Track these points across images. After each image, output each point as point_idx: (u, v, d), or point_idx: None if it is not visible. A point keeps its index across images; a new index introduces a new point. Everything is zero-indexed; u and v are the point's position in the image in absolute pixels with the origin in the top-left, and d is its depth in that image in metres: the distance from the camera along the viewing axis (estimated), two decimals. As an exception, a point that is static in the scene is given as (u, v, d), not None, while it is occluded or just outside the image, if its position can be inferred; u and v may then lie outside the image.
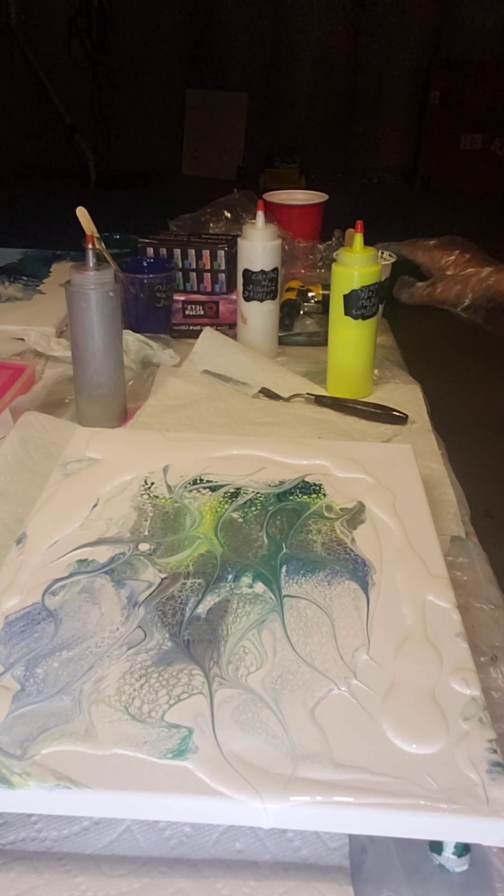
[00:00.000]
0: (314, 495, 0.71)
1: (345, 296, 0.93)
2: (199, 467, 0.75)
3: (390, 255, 1.12)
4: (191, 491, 0.72)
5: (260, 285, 1.04)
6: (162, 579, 0.60)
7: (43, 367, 1.05)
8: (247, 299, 1.06)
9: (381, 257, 1.10)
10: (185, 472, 0.74)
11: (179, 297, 1.15)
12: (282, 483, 0.73)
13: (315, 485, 0.73)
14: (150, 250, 1.15)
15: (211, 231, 1.28)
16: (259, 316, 1.07)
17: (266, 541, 0.65)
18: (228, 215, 1.30)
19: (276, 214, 1.27)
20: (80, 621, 0.56)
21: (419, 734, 0.47)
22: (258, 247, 1.03)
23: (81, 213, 0.99)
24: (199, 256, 1.13)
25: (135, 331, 1.05)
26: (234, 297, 1.11)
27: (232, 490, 0.72)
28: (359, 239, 0.92)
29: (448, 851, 0.46)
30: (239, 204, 1.31)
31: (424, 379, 1.06)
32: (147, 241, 1.15)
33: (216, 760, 0.46)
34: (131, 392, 0.97)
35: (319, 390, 1.00)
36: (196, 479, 0.73)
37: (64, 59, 4.86)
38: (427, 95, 5.02)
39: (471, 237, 1.00)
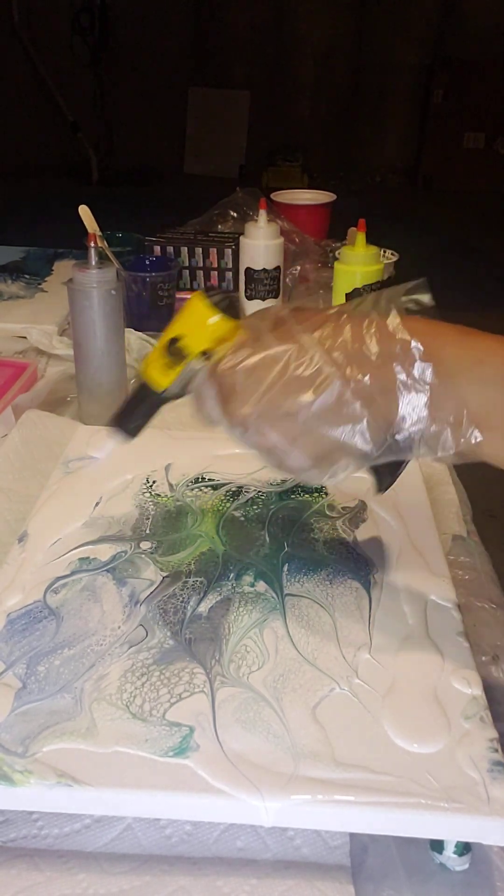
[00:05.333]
0: (316, 494, 0.71)
1: (347, 294, 0.93)
2: (200, 466, 0.75)
3: (392, 254, 1.12)
4: (192, 489, 0.72)
5: (262, 284, 1.04)
6: (163, 578, 0.60)
7: (45, 366, 1.05)
8: (249, 298, 1.06)
9: (384, 256, 1.10)
10: (187, 471, 0.74)
11: (186, 296, 1.14)
12: (283, 482, 0.73)
13: (317, 483, 0.73)
14: (157, 248, 1.15)
15: (220, 231, 1.28)
16: (261, 314, 1.07)
17: (268, 539, 0.65)
18: (235, 215, 1.30)
19: (283, 214, 1.27)
20: (81, 619, 0.56)
21: (420, 733, 0.47)
22: (260, 245, 1.03)
23: (84, 212, 0.99)
24: (206, 255, 1.14)
25: (137, 329, 1.05)
26: (239, 295, 1.11)
27: (234, 489, 0.72)
28: (361, 237, 0.92)
29: (449, 850, 0.46)
30: (244, 202, 1.31)
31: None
32: (154, 239, 1.15)
33: (217, 759, 0.46)
34: (133, 390, 0.97)
35: (321, 389, 0.99)
36: (198, 478, 0.73)
37: (66, 57, 4.86)
38: (430, 94, 5.02)
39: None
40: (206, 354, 0.51)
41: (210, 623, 0.56)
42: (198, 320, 0.51)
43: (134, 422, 0.57)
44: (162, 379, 0.53)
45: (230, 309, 0.51)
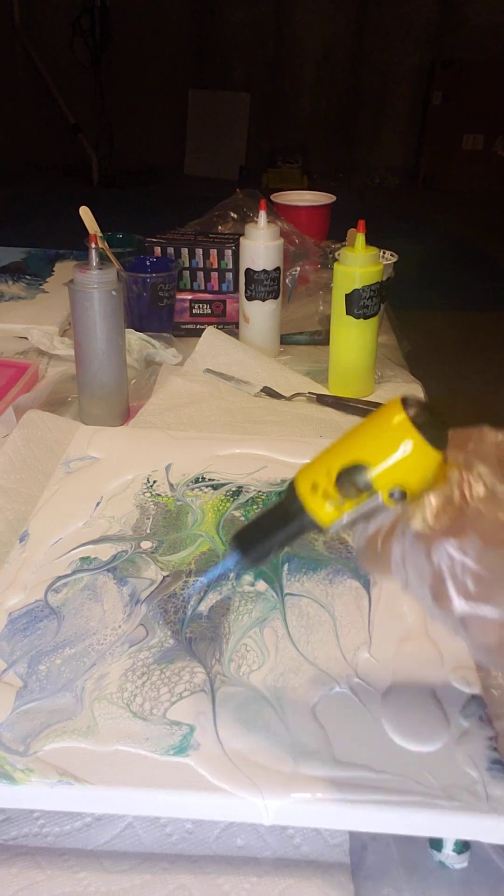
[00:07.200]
0: (316, 494, 0.71)
1: (346, 295, 0.93)
2: (201, 466, 0.75)
3: (392, 255, 1.13)
4: (193, 489, 0.72)
5: (262, 285, 1.04)
6: (164, 577, 0.61)
7: (46, 366, 1.05)
8: (249, 299, 1.06)
9: (383, 256, 1.10)
10: (187, 471, 0.74)
11: (186, 297, 1.15)
12: (283, 482, 0.73)
13: (317, 484, 0.73)
14: (158, 249, 1.15)
15: (220, 232, 1.29)
16: (261, 315, 1.07)
17: (268, 539, 0.65)
18: (235, 216, 1.30)
19: (283, 216, 1.28)
20: (82, 619, 0.56)
21: (420, 732, 0.48)
22: (260, 246, 1.03)
23: (84, 213, 0.99)
24: (206, 256, 1.14)
25: (137, 330, 1.05)
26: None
27: (234, 488, 0.72)
28: (360, 238, 0.92)
29: (448, 848, 0.46)
30: (244, 204, 1.31)
31: (425, 378, 1.06)
32: (154, 240, 1.16)
33: (218, 757, 0.46)
34: (134, 391, 0.97)
35: (321, 389, 1.00)
36: (198, 478, 0.73)
37: (67, 59, 4.86)
38: (429, 95, 5.02)
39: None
40: (398, 493, 0.37)
41: (210, 622, 0.56)
42: (391, 444, 0.37)
43: (264, 549, 0.42)
44: (326, 512, 0.39)
45: (436, 430, 0.37)
